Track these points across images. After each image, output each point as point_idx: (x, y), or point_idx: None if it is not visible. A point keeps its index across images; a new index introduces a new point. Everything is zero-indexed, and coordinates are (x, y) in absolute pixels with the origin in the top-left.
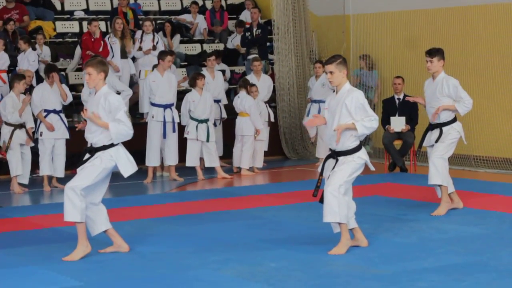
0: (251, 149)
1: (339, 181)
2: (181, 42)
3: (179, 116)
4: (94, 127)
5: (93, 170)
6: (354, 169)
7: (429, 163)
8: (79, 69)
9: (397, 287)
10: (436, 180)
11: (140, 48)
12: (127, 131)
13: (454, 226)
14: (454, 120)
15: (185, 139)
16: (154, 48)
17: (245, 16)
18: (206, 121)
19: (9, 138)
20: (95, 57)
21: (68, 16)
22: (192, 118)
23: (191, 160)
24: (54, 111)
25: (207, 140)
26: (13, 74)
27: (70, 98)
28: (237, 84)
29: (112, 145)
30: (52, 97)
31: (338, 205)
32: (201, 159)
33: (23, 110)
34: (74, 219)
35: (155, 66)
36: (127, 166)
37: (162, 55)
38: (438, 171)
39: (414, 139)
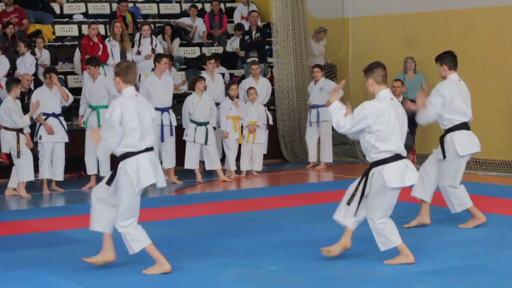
0: (234, 152)
1: None
2: (180, 45)
3: (176, 119)
4: None
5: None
6: None
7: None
8: (76, 73)
9: None
10: None
11: (138, 52)
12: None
13: (453, 229)
14: (454, 128)
15: (185, 142)
16: (153, 51)
17: (240, 10)
18: (205, 124)
19: (16, 143)
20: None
21: (67, 19)
22: (191, 121)
23: (190, 163)
24: (53, 115)
25: (206, 143)
26: (9, 79)
27: (71, 98)
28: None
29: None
30: (51, 101)
31: None
32: (202, 162)
33: (32, 114)
34: (144, 245)
35: (153, 70)
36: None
37: (158, 58)
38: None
39: (414, 142)
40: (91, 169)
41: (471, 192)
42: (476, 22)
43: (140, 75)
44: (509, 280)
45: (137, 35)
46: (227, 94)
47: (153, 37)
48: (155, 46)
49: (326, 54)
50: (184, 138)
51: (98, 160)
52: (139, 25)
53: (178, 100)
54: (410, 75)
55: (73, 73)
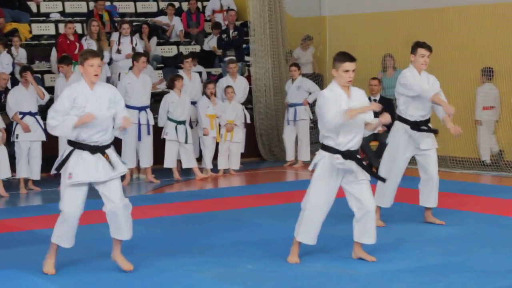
0: (211, 150)
1: None
2: (158, 44)
3: (154, 118)
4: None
5: None
6: None
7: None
8: (53, 72)
9: None
10: None
11: (118, 51)
12: None
13: (430, 227)
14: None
15: (162, 140)
16: (134, 50)
17: (213, 3)
18: (184, 122)
19: None
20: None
21: (44, 18)
22: (170, 120)
23: (169, 162)
24: (30, 113)
25: (186, 141)
26: None
27: (47, 96)
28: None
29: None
30: (27, 99)
31: None
32: (178, 161)
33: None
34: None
35: (131, 68)
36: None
37: (136, 57)
38: None
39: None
40: None
41: (448, 190)
42: (454, 21)
43: (119, 74)
44: (486, 277)
45: (115, 34)
46: (204, 92)
47: (133, 36)
48: (136, 45)
49: (314, 62)
50: (164, 136)
51: None
52: (116, 24)
53: (156, 99)
54: (390, 72)
55: (50, 71)
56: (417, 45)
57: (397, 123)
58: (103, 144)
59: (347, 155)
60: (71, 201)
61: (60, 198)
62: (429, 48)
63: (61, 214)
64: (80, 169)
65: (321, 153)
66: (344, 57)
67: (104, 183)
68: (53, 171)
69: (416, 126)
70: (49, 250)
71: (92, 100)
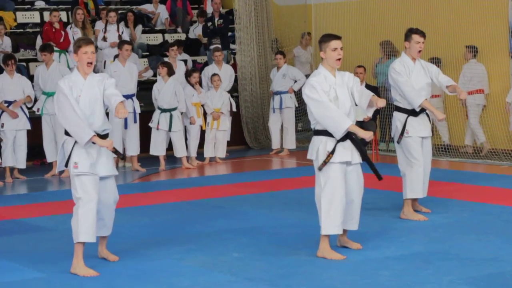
0: (196, 138)
1: None
2: (143, 32)
3: (140, 106)
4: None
5: None
6: None
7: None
8: (38, 60)
9: (359, 276)
10: None
11: (104, 38)
12: None
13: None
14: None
15: (148, 129)
16: (120, 38)
17: None
18: (170, 110)
19: None
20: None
21: (29, 6)
22: (158, 108)
23: (155, 149)
24: (15, 102)
25: (169, 130)
26: None
27: (33, 96)
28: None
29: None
30: (12, 88)
31: None
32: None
33: None
34: None
35: (116, 57)
36: None
37: (119, 45)
38: None
39: (376, 128)
40: (50, 157)
41: (434, 178)
42: (438, 8)
43: (105, 62)
44: (471, 265)
45: (100, 23)
46: (188, 81)
47: (119, 24)
48: (122, 33)
49: (313, 63)
50: (149, 124)
51: (57, 147)
52: (101, 12)
53: (141, 87)
54: (383, 60)
55: (35, 60)
56: (411, 31)
57: (396, 114)
58: (102, 134)
59: (344, 136)
60: (85, 186)
61: (46, 188)
62: (423, 34)
63: (78, 206)
64: (84, 159)
65: (317, 139)
66: (330, 36)
67: (102, 178)
68: (60, 168)
69: (415, 113)
70: (75, 253)
71: (86, 89)
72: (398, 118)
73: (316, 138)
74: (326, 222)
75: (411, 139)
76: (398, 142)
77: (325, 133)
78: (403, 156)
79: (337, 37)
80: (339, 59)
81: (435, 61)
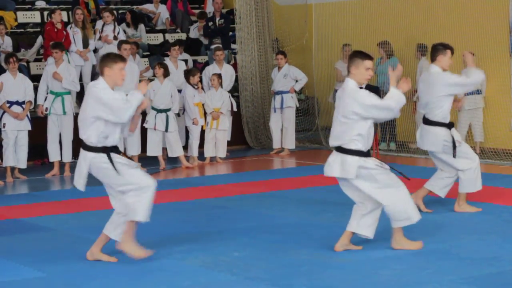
0: (197, 138)
1: None
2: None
3: None
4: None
5: None
6: None
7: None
8: (40, 59)
9: (360, 275)
10: None
11: (100, 38)
12: None
13: None
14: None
15: (146, 129)
16: (116, 38)
17: None
18: (165, 110)
19: None
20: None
21: (30, 6)
22: (152, 108)
23: (152, 150)
24: (17, 103)
25: (166, 130)
26: None
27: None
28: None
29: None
30: (15, 89)
31: None
32: (165, 149)
33: None
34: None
35: None
36: None
37: (118, 44)
38: None
39: (377, 127)
40: (53, 156)
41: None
42: (439, 7)
43: None
44: (472, 265)
45: (100, 22)
46: (188, 82)
47: (116, 24)
48: (118, 33)
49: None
50: (144, 125)
51: (61, 147)
52: (102, 12)
53: None
54: (383, 60)
55: (35, 59)
56: (446, 47)
57: (436, 130)
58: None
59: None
60: (141, 175)
61: (47, 187)
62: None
63: (137, 191)
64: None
65: (354, 160)
66: (366, 56)
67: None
68: (119, 185)
69: (452, 125)
70: (125, 232)
71: None
72: (442, 135)
73: (352, 159)
74: (414, 211)
75: (461, 145)
76: (454, 156)
77: (360, 153)
78: (457, 161)
79: (372, 58)
80: (368, 79)
81: None
